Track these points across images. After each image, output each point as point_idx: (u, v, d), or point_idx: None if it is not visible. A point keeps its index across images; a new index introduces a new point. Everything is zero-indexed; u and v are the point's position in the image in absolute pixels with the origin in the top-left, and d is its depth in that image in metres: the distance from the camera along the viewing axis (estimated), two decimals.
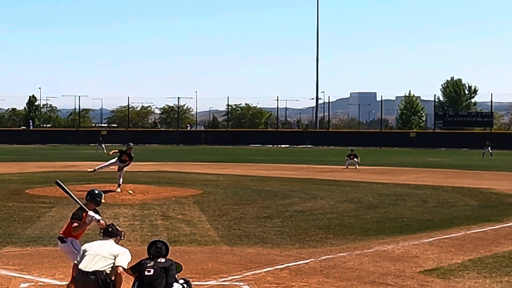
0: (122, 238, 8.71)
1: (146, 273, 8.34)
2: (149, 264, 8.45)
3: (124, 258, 8.26)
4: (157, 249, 8.65)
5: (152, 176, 30.95)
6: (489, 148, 59.97)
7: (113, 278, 8.19)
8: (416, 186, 27.03)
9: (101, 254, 8.21)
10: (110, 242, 8.53)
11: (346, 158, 39.66)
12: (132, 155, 23.78)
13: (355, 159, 39.08)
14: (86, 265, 8.11)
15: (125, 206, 19.52)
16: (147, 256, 8.63)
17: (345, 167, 38.26)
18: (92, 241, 8.72)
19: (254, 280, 10.49)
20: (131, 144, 24.08)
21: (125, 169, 23.59)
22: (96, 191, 9.50)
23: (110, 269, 8.16)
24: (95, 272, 8.04)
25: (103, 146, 61.99)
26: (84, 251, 8.37)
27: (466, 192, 24.45)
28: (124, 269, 8.21)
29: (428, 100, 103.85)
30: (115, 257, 8.22)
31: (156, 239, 9.04)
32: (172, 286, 8.44)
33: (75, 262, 8.39)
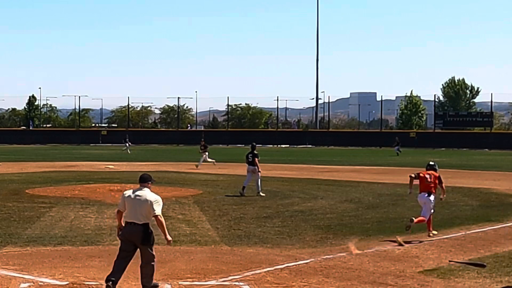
0: (154, 181, 10.03)
1: None
2: None
3: (158, 206, 9.63)
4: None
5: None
6: (399, 145, 58.68)
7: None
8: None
9: (143, 207, 9.53)
10: (146, 190, 9.73)
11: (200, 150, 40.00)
12: (256, 152, 23.65)
13: (204, 155, 38.93)
14: (135, 218, 9.54)
15: None
16: None
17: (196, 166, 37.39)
18: (130, 189, 9.93)
19: (254, 280, 10.49)
20: (254, 143, 24.40)
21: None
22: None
23: (150, 217, 9.63)
24: (143, 224, 9.55)
25: (128, 145, 61.27)
26: (126, 201, 9.66)
27: (466, 192, 24.44)
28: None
29: (428, 100, 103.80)
30: (151, 204, 9.55)
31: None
32: None
33: (119, 209, 9.85)
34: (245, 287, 10.15)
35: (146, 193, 9.69)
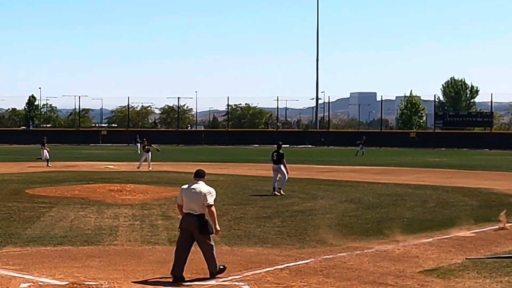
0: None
1: None
2: None
3: (211, 197, 10.55)
4: None
5: (152, 176, 30.95)
6: (362, 145, 57.33)
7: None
8: (416, 186, 27.02)
9: (198, 198, 10.42)
10: (201, 183, 10.68)
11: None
12: (281, 152, 23.74)
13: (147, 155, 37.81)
14: (191, 209, 10.45)
15: (125, 206, 19.52)
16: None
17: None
18: (187, 184, 10.79)
19: (254, 280, 10.50)
20: (280, 143, 24.61)
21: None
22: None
23: (204, 208, 10.47)
24: (198, 215, 10.40)
25: (138, 145, 60.99)
26: (183, 194, 10.60)
27: (466, 192, 24.44)
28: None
29: (428, 100, 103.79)
30: (204, 196, 10.43)
31: None
32: None
33: (178, 203, 10.78)
34: (245, 287, 10.15)
35: (201, 186, 10.60)
